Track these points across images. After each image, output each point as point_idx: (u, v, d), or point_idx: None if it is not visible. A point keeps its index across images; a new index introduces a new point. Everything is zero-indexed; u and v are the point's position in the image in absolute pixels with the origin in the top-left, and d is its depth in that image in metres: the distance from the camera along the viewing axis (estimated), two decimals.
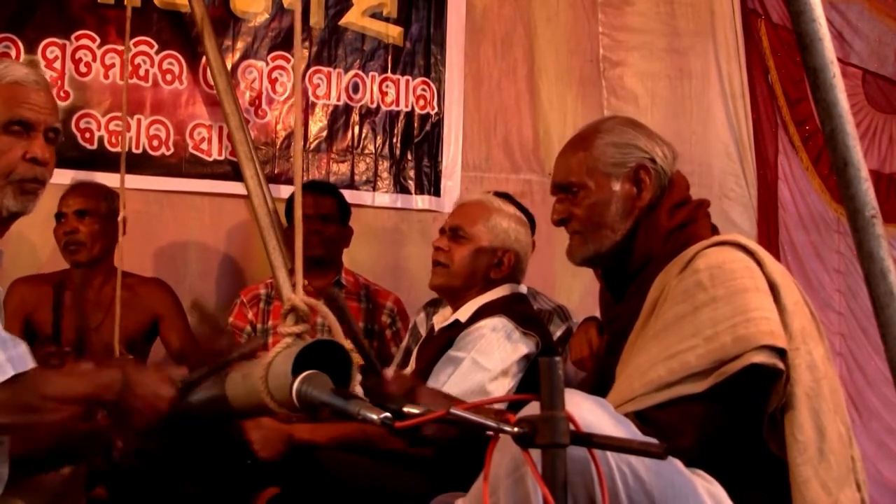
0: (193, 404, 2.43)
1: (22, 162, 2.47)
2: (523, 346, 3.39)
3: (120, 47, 4.94)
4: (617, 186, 2.73)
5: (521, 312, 3.47)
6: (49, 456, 2.55)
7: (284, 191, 5.08)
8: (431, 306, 4.36)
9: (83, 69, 5.01)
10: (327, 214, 4.68)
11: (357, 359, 2.33)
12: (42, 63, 4.90)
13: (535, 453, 1.76)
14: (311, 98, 5.33)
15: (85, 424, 2.36)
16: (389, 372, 2.54)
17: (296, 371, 2.16)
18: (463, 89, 5.55)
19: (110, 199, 4.53)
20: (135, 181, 4.79)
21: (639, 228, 2.71)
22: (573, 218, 2.76)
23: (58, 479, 2.60)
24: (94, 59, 5.02)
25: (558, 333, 4.32)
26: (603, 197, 2.72)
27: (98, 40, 5.02)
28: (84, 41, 5.02)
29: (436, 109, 5.49)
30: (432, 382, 3.31)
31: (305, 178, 5.19)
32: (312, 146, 5.30)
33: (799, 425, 2.37)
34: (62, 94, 4.92)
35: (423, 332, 3.97)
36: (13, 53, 4.87)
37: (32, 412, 2.20)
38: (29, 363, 2.14)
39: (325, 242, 4.66)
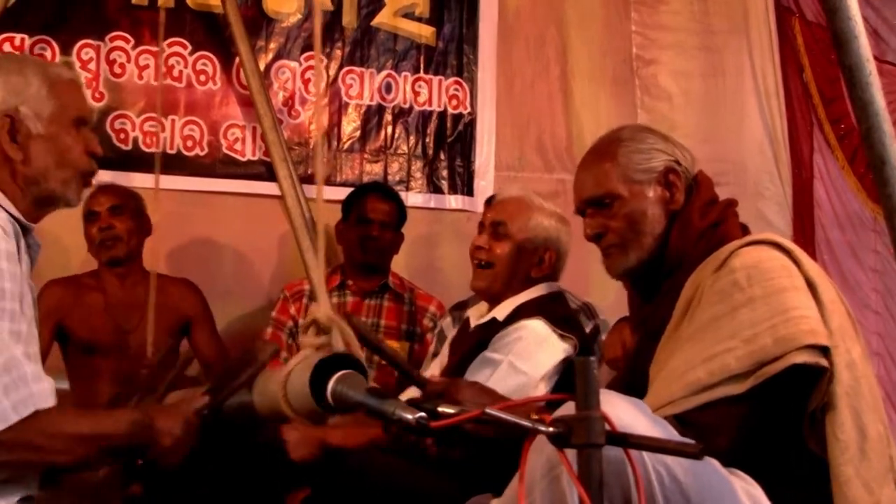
0: (225, 409, 2.46)
1: (84, 156, 2.53)
2: (561, 350, 3.35)
3: (154, 48, 4.98)
4: (650, 192, 2.70)
5: (559, 313, 3.44)
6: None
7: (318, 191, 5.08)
8: (457, 310, 4.35)
9: (118, 70, 5.05)
10: (386, 221, 4.69)
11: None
12: (77, 64, 4.93)
13: (571, 453, 1.75)
14: (344, 98, 5.34)
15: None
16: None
17: (314, 383, 2.19)
18: (496, 89, 5.55)
19: (138, 198, 4.56)
20: (169, 181, 4.81)
21: (671, 230, 2.69)
22: (609, 230, 2.72)
23: (94, 478, 2.61)
24: (129, 61, 5.06)
25: (585, 331, 4.31)
26: (639, 204, 2.69)
27: (132, 41, 5.06)
28: (118, 42, 5.06)
29: (468, 109, 5.49)
30: None
31: (341, 179, 5.21)
32: (345, 146, 5.31)
33: (840, 424, 2.34)
34: (97, 95, 4.95)
35: (449, 336, 3.93)
36: (49, 55, 4.91)
37: (34, 451, 2.23)
38: (28, 408, 2.17)
39: (379, 250, 4.67)
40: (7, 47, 4.86)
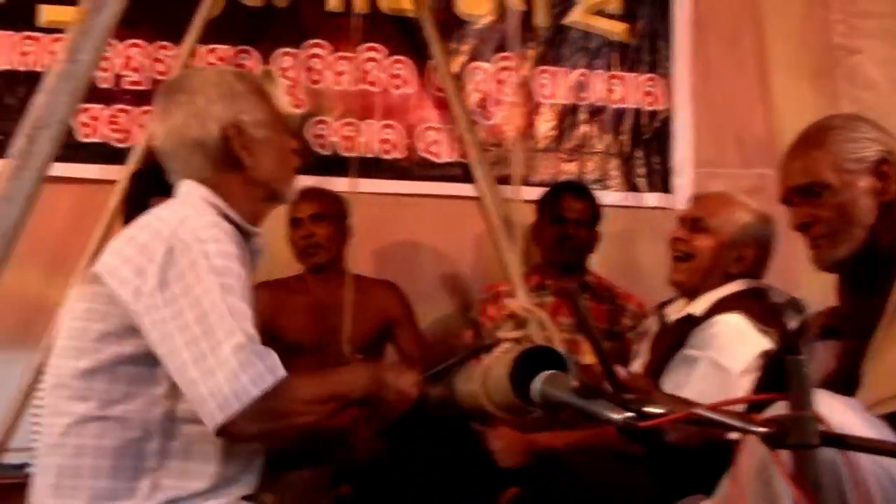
0: (429, 402, 2.48)
1: (294, 154, 2.64)
2: (759, 344, 3.29)
3: (351, 54, 5.09)
4: (862, 182, 2.63)
5: (759, 308, 3.37)
6: (295, 456, 2.63)
7: (514, 192, 5.09)
8: (661, 309, 4.29)
9: (316, 77, 5.16)
10: (581, 219, 4.67)
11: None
12: (277, 73, 5.05)
13: (783, 454, 1.71)
14: (538, 98, 5.34)
15: (332, 423, 2.45)
16: (624, 372, 2.52)
17: (514, 376, 2.19)
18: (691, 84, 5.46)
19: (341, 202, 4.66)
20: (367, 185, 4.88)
21: (880, 223, 2.61)
22: (818, 220, 2.66)
23: (305, 477, 2.67)
24: (327, 67, 5.16)
25: (793, 326, 4.19)
26: (850, 194, 2.62)
27: (329, 48, 5.16)
28: (316, 50, 5.17)
29: (664, 105, 5.42)
30: (667, 381, 3.26)
31: (537, 179, 5.20)
32: (541, 146, 5.31)
33: None
34: (297, 101, 5.06)
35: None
36: (249, 64, 5.05)
37: (287, 417, 2.27)
38: (280, 371, 2.22)
39: (574, 247, 4.66)
40: (211, 58, 5.03)
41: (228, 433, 2.21)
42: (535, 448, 3.49)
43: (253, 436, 2.30)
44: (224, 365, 2.16)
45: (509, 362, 2.22)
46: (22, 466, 4.03)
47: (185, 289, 2.22)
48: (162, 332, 2.22)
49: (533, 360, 2.20)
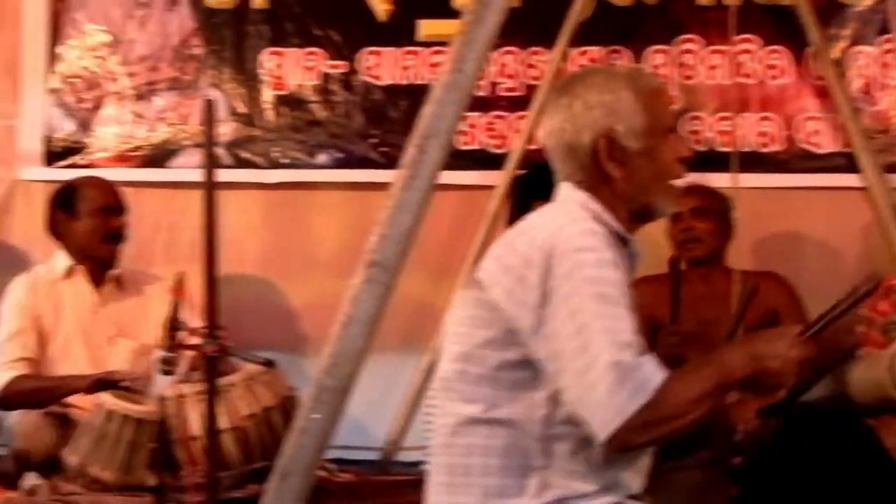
0: (815, 399, 2.39)
1: (676, 164, 2.50)
2: None
3: (724, 47, 5.02)
4: None
5: None
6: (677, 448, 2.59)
7: None
8: None
9: (688, 72, 5.13)
10: None
11: None
12: (649, 70, 5.04)
13: None
14: None
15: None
16: None
17: None
18: None
19: (722, 198, 4.63)
20: (746, 179, 4.78)
21: None
22: None
23: (696, 479, 2.64)
24: (699, 62, 5.13)
25: None
26: None
27: (702, 42, 5.12)
28: (688, 45, 5.14)
29: None
30: None
31: None
32: None
33: None
34: (671, 98, 5.03)
35: None
36: (621, 64, 5.06)
37: (673, 421, 2.23)
38: (655, 379, 2.19)
39: None
40: (583, 60, 5.10)
41: (617, 445, 2.21)
42: None
43: (641, 444, 2.29)
44: (602, 381, 2.16)
45: None
46: (416, 464, 4.22)
47: (564, 299, 2.22)
48: (548, 350, 2.24)
49: None
